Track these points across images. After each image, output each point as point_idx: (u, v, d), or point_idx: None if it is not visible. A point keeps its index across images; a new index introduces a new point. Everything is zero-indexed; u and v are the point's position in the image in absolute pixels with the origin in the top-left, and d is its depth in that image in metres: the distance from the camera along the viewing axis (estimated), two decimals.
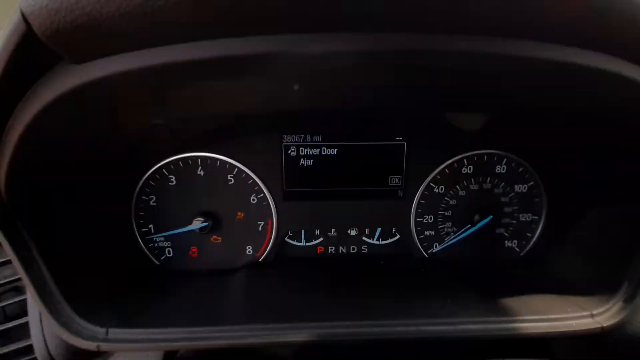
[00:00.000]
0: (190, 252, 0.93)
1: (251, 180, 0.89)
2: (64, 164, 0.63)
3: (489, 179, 0.92)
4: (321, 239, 0.98)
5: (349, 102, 0.54)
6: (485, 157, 0.91)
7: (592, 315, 0.69)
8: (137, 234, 0.89)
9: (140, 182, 0.87)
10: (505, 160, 0.91)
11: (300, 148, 0.88)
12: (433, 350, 0.76)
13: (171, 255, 0.93)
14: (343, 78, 0.45)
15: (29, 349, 0.74)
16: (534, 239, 0.96)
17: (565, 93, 0.53)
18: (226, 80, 0.42)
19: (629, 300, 0.68)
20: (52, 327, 0.62)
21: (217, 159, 0.87)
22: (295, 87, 0.44)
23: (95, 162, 0.68)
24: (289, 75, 0.43)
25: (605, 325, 0.67)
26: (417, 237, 0.96)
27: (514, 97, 0.56)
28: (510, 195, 0.94)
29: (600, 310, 0.69)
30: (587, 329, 0.67)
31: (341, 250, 0.99)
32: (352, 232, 0.98)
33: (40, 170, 0.58)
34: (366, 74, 0.44)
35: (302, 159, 0.89)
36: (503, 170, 0.92)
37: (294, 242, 0.98)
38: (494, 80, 0.48)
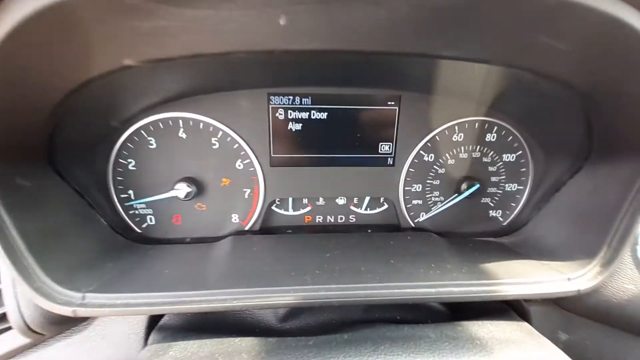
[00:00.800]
0: (174, 220, 0.89)
1: (237, 145, 0.85)
2: (34, 105, 0.57)
3: (478, 147, 0.92)
4: (309, 208, 0.96)
5: (337, 42, 0.50)
6: (477, 124, 0.90)
7: (569, 279, 0.71)
8: (115, 200, 0.85)
9: (118, 144, 0.82)
10: (496, 128, 0.91)
11: (289, 111, 0.84)
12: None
13: (153, 223, 0.89)
14: (332, 11, 0.41)
15: (3, 318, 0.71)
16: (518, 209, 0.98)
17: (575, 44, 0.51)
18: (198, 9, 0.37)
19: (606, 265, 0.71)
20: (26, 294, 0.59)
21: (199, 121, 0.82)
22: (282, 22, 0.40)
23: (67, 111, 0.62)
24: (274, 4, 0.38)
25: (581, 288, 0.70)
26: (405, 207, 0.96)
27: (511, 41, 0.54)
28: (498, 164, 0.94)
29: (578, 274, 0.72)
30: (564, 292, 0.70)
31: (329, 219, 0.98)
32: (341, 202, 0.97)
33: (9, 114, 0.52)
34: (355, 7, 0.40)
35: (290, 123, 0.85)
36: (493, 138, 0.92)
37: (282, 211, 0.96)
38: (495, 20, 0.46)
